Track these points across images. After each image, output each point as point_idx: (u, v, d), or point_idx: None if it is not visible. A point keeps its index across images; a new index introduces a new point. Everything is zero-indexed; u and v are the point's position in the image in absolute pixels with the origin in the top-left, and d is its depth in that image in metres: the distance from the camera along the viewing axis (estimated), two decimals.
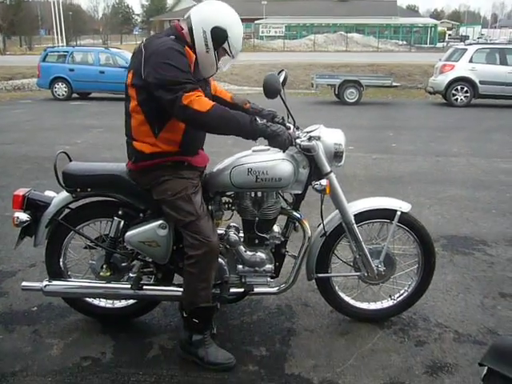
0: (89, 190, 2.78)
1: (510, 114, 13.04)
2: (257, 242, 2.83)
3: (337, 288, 3.11)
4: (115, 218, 2.80)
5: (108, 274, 2.86)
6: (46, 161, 7.01)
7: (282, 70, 2.80)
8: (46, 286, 2.88)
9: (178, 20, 2.66)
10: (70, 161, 2.90)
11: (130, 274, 2.90)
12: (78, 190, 2.78)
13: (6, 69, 23.85)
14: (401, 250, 3.15)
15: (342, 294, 3.13)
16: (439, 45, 48.80)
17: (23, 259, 3.98)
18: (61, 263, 2.96)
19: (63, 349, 2.86)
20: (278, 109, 2.93)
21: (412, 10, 79.35)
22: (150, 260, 2.84)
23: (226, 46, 2.54)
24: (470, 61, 14.12)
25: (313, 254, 2.95)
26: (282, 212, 2.84)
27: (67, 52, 16.59)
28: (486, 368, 1.61)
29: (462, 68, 14.13)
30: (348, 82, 14.86)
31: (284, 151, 2.64)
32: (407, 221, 2.95)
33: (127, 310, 3.09)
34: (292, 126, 2.79)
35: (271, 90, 2.53)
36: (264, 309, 3.29)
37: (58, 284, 2.90)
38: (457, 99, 14.24)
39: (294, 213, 2.86)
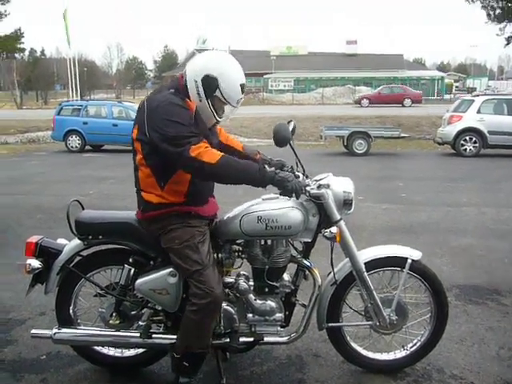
0: (100, 237, 2.81)
1: None
2: (267, 290, 2.82)
3: (348, 338, 3.06)
4: (126, 265, 2.82)
5: (117, 322, 2.86)
6: (58, 211, 7.06)
7: (291, 121, 2.87)
8: (55, 333, 2.88)
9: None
10: (83, 209, 2.95)
11: (140, 323, 2.89)
12: (90, 237, 2.81)
13: (22, 122, 24.44)
14: (413, 299, 3.12)
15: (353, 344, 3.08)
16: (447, 97, 49.39)
17: (33, 307, 3.98)
18: (71, 311, 2.96)
19: None
20: (287, 159, 2.98)
21: (419, 63, 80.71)
22: (160, 308, 2.83)
23: (218, 93, 2.56)
24: (478, 111, 14.26)
25: (323, 303, 2.92)
26: (291, 260, 2.84)
27: (81, 106, 17.04)
28: None
29: (470, 119, 14.26)
30: (356, 134, 14.99)
31: (297, 198, 2.65)
32: (418, 269, 2.93)
33: (136, 358, 3.05)
34: (301, 175, 2.82)
35: (281, 138, 2.59)
36: (274, 359, 3.24)
37: (67, 332, 2.90)
38: (466, 149, 14.30)
39: (304, 261, 2.85)
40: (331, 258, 2.84)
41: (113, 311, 2.86)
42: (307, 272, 2.86)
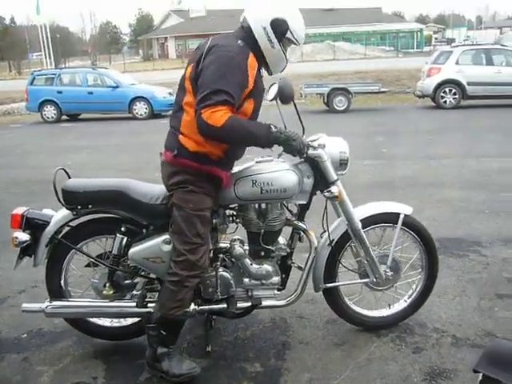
0: (90, 206, 2.72)
1: (499, 114, 12.98)
2: (262, 254, 2.78)
3: (345, 297, 3.05)
4: (118, 234, 2.75)
5: (111, 292, 2.81)
6: (35, 184, 6.86)
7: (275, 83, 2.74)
8: (47, 306, 2.80)
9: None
10: (69, 178, 2.84)
11: (134, 292, 2.84)
12: (79, 207, 2.72)
13: None
14: (405, 253, 3.11)
15: (349, 303, 3.07)
16: (426, 49, 49.11)
17: (13, 285, 3.85)
18: (62, 283, 2.89)
19: (53, 376, 2.77)
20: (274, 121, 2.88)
21: (397, 16, 79.51)
22: (155, 276, 2.80)
23: (289, 35, 2.51)
24: (457, 63, 14.15)
25: (320, 264, 2.89)
26: (287, 223, 2.80)
27: (54, 74, 16.49)
28: (481, 374, 1.56)
29: (448, 70, 14.15)
30: (336, 90, 14.84)
31: (301, 157, 2.62)
32: (410, 223, 2.94)
33: (132, 328, 3.00)
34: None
35: (286, 95, 2.53)
36: (258, 323, 3.22)
37: (59, 304, 2.83)
38: (446, 101, 14.25)
39: (300, 223, 2.82)
40: (326, 219, 2.81)
41: (106, 281, 2.80)
42: (302, 234, 2.83)
